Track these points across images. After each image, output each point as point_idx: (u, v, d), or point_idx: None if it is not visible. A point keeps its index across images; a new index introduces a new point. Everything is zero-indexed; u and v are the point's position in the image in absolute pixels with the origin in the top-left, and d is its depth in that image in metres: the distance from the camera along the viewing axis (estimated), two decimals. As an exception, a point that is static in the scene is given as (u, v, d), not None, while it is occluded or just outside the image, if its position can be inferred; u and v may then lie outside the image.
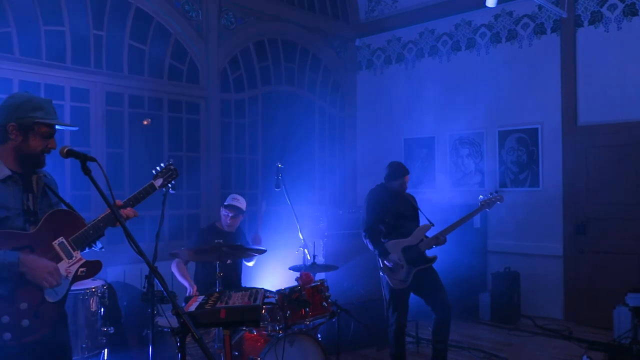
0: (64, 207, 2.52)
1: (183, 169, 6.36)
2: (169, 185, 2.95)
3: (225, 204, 4.57)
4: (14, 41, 5.11)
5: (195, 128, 6.58)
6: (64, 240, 2.37)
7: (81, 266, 2.40)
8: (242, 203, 4.56)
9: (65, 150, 2.32)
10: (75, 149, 2.32)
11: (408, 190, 4.78)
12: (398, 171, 4.64)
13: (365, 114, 8.52)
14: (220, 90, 6.76)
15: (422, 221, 4.66)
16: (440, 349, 4.48)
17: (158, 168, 2.93)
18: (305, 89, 7.94)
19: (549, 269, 6.59)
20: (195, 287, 4.32)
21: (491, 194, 4.71)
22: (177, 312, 2.03)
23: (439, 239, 4.47)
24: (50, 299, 2.29)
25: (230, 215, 4.48)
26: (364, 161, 8.44)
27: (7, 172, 2.35)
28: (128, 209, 2.57)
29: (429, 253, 4.50)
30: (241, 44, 7.03)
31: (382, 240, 4.50)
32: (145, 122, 6.15)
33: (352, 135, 8.57)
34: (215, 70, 6.66)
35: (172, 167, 2.92)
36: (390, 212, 4.55)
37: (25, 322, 2.21)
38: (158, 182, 2.86)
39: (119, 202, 2.54)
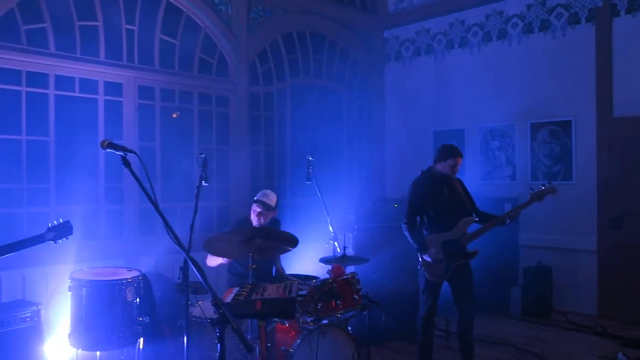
0: None
1: (213, 162, 6.43)
2: (65, 239, 3.06)
3: (255, 198, 4.51)
4: (49, 37, 5.22)
5: (225, 121, 6.63)
6: None
7: None
8: (271, 199, 4.39)
9: (105, 143, 2.38)
10: (116, 141, 2.37)
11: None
12: (444, 153, 4.39)
13: (394, 106, 8.46)
14: (249, 83, 6.79)
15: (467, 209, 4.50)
16: (464, 347, 4.44)
17: (55, 222, 3.07)
18: (333, 81, 7.92)
19: (582, 264, 6.47)
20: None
21: (543, 185, 4.35)
22: (217, 303, 2.06)
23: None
24: None
25: (257, 210, 4.41)
26: (393, 153, 8.39)
27: None
28: None
29: (470, 247, 4.38)
30: (270, 37, 7.05)
31: (424, 232, 4.41)
32: (174, 115, 6.22)
33: (380, 127, 8.52)
34: (244, 64, 6.69)
35: (69, 224, 2.99)
36: (433, 204, 4.38)
37: None
38: (50, 235, 2.99)
39: None
